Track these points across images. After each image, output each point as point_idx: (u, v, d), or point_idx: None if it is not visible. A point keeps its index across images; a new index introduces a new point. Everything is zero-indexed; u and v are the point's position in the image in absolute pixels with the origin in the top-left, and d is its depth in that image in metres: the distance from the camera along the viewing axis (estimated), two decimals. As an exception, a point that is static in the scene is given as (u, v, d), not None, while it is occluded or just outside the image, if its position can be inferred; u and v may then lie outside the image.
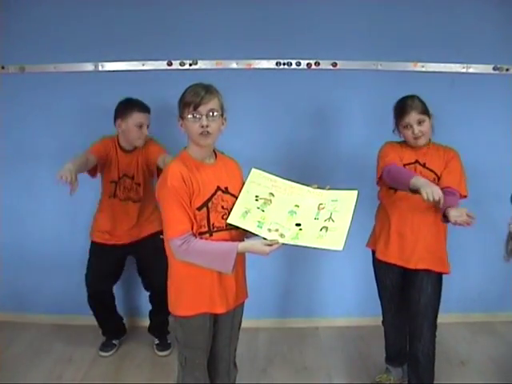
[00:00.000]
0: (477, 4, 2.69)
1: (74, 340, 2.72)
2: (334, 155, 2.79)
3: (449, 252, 2.07)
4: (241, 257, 1.67)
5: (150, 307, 2.68)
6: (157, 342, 2.66)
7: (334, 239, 1.54)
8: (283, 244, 1.54)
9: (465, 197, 2.00)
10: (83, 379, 2.38)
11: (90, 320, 2.62)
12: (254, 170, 1.73)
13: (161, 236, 2.33)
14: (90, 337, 2.70)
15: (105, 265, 2.51)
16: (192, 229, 1.56)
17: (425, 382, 2.06)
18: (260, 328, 2.86)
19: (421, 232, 2.02)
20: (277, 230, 1.56)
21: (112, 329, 2.67)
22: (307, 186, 1.70)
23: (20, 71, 2.68)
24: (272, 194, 1.67)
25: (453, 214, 1.77)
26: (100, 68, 2.68)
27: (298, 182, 1.72)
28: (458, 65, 2.71)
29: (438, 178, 2.00)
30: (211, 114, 1.56)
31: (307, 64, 2.70)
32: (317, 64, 2.70)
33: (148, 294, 2.65)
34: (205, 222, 1.58)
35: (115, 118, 2.37)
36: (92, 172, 2.38)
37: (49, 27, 2.65)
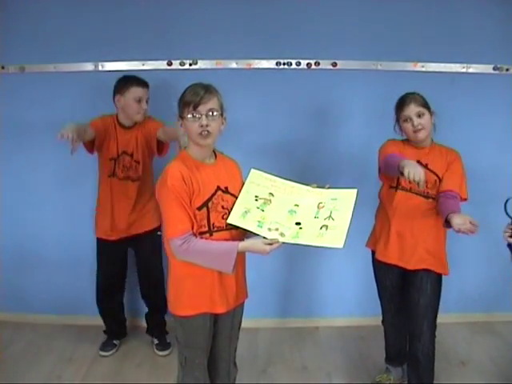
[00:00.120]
0: (477, 4, 2.69)
1: (74, 340, 2.72)
2: (334, 155, 2.79)
3: (449, 252, 2.07)
4: (241, 257, 1.67)
5: (149, 307, 2.70)
6: (156, 341, 2.66)
7: (335, 237, 1.53)
8: (283, 243, 1.53)
9: (465, 199, 1.99)
10: (83, 379, 2.38)
11: (90, 320, 2.62)
12: (253, 170, 1.73)
13: (158, 232, 2.32)
14: (89, 337, 2.70)
15: (112, 260, 2.54)
16: (192, 228, 1.56)
17: (425, 382, 2.06)
18: (260, 328, 2.86)
19: (421, 233, 2.02)
20: (277, 229, 1.56)
21: (115, 329, 2.67)
22: (307, 185, 1.71)
23: (20, 71, 2.68)
24: (271, 194, 1.67)
25: (456, 221, 1.74)
26: (100, 68, 2.68)
27: (297, 182, 1.72)
28: (458, 65, 2.71)
29: (440, 180, 2.00)
30: (211, 113, 1.56)
31: (307, 64, 2.70)
32: (317, 64, 2.70)
33: (144, 296, 2.67)
34: (205, 221, 1.58)
35: (114, 95, 2.37)
36: (89, 146, 2.37)
37: (49, 27, 2.65)
